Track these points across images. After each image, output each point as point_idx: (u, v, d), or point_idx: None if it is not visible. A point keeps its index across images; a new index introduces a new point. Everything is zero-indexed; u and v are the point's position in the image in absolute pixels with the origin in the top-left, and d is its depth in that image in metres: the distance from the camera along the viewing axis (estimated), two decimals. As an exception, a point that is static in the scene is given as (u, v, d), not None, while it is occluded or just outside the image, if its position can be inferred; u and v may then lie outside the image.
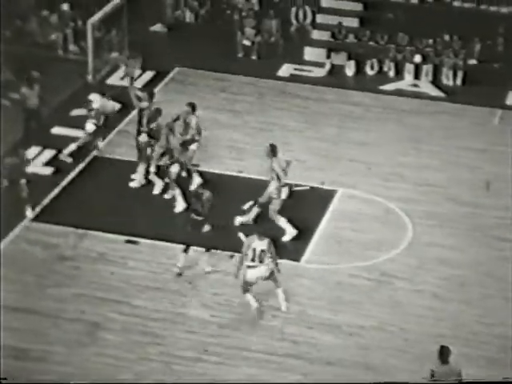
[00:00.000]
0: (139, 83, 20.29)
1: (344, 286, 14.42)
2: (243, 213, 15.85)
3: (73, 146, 17.50)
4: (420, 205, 16.50)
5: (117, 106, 18.48)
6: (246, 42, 21.62)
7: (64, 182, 16.80)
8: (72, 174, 17.03)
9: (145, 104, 16.57)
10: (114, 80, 20.47)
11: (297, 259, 14.99)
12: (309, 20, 22.36)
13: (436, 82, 20.78)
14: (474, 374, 12.35)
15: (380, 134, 18.84)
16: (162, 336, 13.28)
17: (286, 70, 20.96)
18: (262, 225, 15.28)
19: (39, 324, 13.33)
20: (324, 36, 22.00)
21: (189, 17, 23.13)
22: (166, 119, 17.08)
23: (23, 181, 15.53)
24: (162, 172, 16.24)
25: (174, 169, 15.81)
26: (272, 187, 15.20)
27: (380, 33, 21.62)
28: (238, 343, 13.20)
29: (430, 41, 21.37)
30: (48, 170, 17.16)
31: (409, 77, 20.89)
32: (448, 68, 20.80)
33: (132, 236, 15.30)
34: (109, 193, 16.45)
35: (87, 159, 17.54)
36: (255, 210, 15.47)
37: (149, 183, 16.37)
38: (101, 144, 17.54)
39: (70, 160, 17.28)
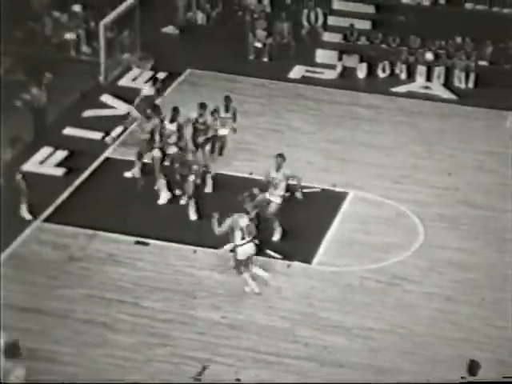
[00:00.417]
0: (151, 84, 20.21)
1: (355, 289, 14.27)
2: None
3: (119, 130, 17.32)
4: (431, 207, 16.32)
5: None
6: (258, 44, 21.50)
7: (75, 183, 16.71)
8: (83, 175, 16.94)
9: (156, 121, 16.36)
10: (125, 81, 20.40)
11: (308, 261, 14.85)
12: (320, 22, 22.23)
13: (448, 84, 20.61)
14: (486, 377, 12.17)
15: (391, 137, 18.67)
16: (172, 337, 13.15)
17: (297, 71, 20.82)
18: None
19: (49, 324, 13.22)
20: (336, 38, 21.87)
21: (200, 18, 23.04)
22: (180, 120, 16.99)
23: (19, 176, 15.32)
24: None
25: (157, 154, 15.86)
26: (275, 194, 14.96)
27: (392, 35, 21.47)
28: (248, 345, 13.06)
29: (442, 43, 21.22)
30: (60, 171, 17.08)
31: (420, 79, 20.73)
32: (460, 70, 20.62)
33: (142, 237, 15.18)
34: (119, 194, 16.34)
35: (98, 160, 17.46)
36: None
37: (174, 197, 16.11)
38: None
39: (111, 141, 17.16)
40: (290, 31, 21.84)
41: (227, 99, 16.97)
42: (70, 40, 21.40)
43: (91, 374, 12.35)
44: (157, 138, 16.25)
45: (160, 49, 21.36)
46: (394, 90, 20.40)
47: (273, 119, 18.96)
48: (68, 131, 18.38)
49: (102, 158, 17.51)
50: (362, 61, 21.04)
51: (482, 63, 20.84)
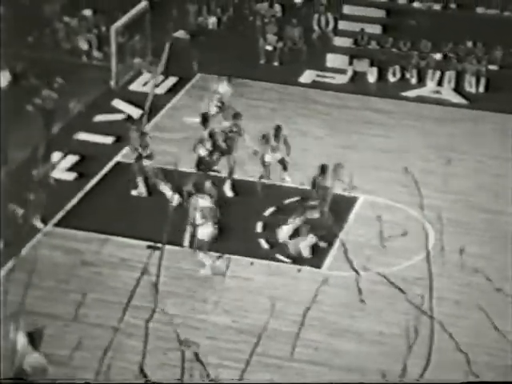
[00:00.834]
0: (162, 89, 20.35)
1: (365, 293, 14.29)
2: (264, 219, 15.82)
3: (197, 120, 17.28)
4: (442, 212, 16.36)
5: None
6: (268, 47, 21.59)
7: (86, 188, 16.83)
8: (94, 180, 17.07)
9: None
10: (136, 86, 20.52)
11: (318, 266, 14.92)
12: (331, 27, 22.31)
13: (458, 88, 20.66)
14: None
15: (402, 141, 18.74)
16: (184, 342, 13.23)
17: (308, 76, 20.91)
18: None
19: (60, 329, 13.33)
20: (346, 43, 21.94)
21: (211, 23, 23.16)
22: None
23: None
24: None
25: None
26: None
27: (402, 39, 21.53)
28: (259, 349, 13.12)
29: (453, 47, 21.27)
30: (71, 176, 17.21)
31: (431, 83, 20.78)
32: (471, 74, 20.67)
33: (154, 242, 15.29)
34: (131, 198, 16.46)
35: (109, 164, 17.59)
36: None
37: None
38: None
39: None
40: (300, 36, 21.93)
41: (278, 129, 16.55)
42: (82, 45, 21.55)
43: (104, 379, 12.44)
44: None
45: (171, 53, 21.47)
46: (404, 94, 20.47)
47: (283, 124, 19.04)
48: (79, 136, 18.53)
49: (112, 163, 17.64)
50: (372, 65, 21.12)
51: (493, 67, 20.89)
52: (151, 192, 16.24)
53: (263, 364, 12.86)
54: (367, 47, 21.67)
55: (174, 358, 12.90)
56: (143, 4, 20.91)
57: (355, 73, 21.10)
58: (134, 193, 16.52)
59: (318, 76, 21.04)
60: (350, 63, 21.30)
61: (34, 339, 11.88)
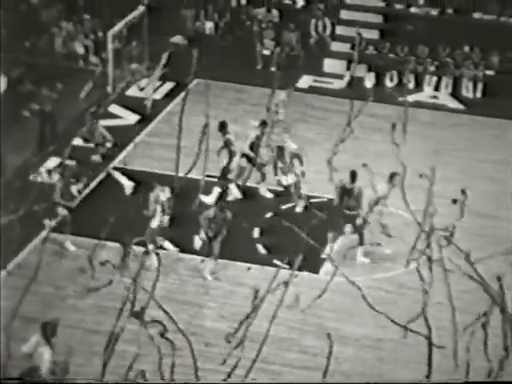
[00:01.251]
0: (159, 94, 20.33)
1: (362, 298, 14.29)
2: (261, 224, 15.80)
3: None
4: (439, 216, 16.34)
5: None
6: (266, 52, 21.60)
7: (84, 193, 16.80)
8: (92, 185, 17.04)
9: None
10: (133, 91, 20.51)
11: (315, 271, 14.89)
12: (328, 32, 22.32)
13: (456, 93, 20.68)
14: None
15: (400, 146, 18.70)
16: (180, 347, 13.20)
17: (305, 81, 20.91)
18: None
19: (58, 334, 13.28)
20: (344, 48, 21.96)
21: (209, 28, 23.16)
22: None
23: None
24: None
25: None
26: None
27: (400, 44, 21.56)
28: (255, 355, 13.10)
29: (450, 52, 21.30)
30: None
31: (428, 89, 20.80)
32: (468, 80, 20.69)
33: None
34: (127, 203, 16.43)
35: (107, 169, 17.57)
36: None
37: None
38: None
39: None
40: (298, 41, 21.93)
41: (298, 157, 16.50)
42: (78, 50, 21.55)
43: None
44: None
45: (168, 59, 21.43)
46: (401, 99, 20.46)
47: (280, 129, 19.03)
48: (76, 141, 18.50)
49: (110, 168, 17.62)
50: (370, 70, 21.13)
51: (490, 73, 20.91)
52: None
53: (261, 370, 12.82)
54: (365, 52, 21.68)
55: (170, 364, 12.89)
56: (141, 9, 20.92)
57: (352, 78, 21.11)
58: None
59: (316, 81, 21.04)
60: (348, 68, 21.30)
61: (47, 332, 11.87)
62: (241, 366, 12.91)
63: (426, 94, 20.73)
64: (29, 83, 19.70)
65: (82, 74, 20.69)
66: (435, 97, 20.65)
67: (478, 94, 20.66)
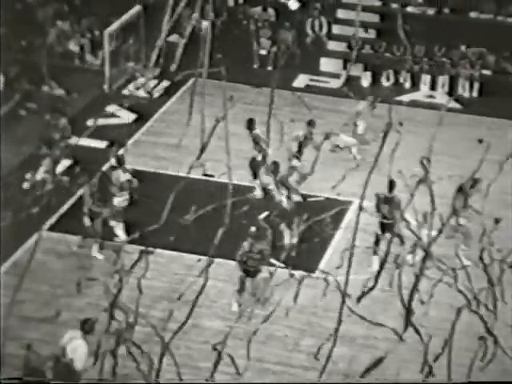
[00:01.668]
0: (155, 93, 20.31)
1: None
2: (258, 223, 15.81)
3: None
4: (436, 218, 16.33)
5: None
6: (262, 51, 21.59)
7: (80, 192, 16.76)
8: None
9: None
10: (130, 90, 20.47)
11: (312, 270, 14.88)
12: (325, 31, 22.31)
13: (452, 93, 20.68)
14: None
15: (396, 146, 18.70)
16: (176, 346, 13.19)
17: (301, 80, 20.88)
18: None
19: (54, 334, 13.27)
20: (340, 47, 21.95)
21: (205, 28, 23.12)
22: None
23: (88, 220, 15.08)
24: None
25: None
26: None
27: (396, 44, 21.56)
28: (252, 354, 13.08)
29: (446, 51, 21.31)
30: (64, 180, 17.16)
31: (425, 88, 20.80)
32: (464, 79, 20.69)
33: (147, 246, 15.22)
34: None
35: (103, 169, 17.54)
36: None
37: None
38: None
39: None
40: (294, 40, 21.91)
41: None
42: (74, 49, 21.51)
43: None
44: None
45: (165, 58, 21.43)
46: (398, 98, 20.47)
47: (276, 128, 19.00)
48: (73, 141, 18.48)
49: (106, 167, 17.59)
50: (366, 69, 21.12)
51: (486, 72, 20.91)
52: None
53: (257, 369, 12.80)
54: (361, 51, 21.68)
55: (166, 363, 12.87)
56: (137, 8, 20.89)
57: (349, 77, 21.10)
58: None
59: (312, 80, 21.02)
60: (344, 67, 21.29)
61: (86, 328, 11.91)
62: (237, 364, 12.93)
63: (423, 93, 20.71)
64: (25, 82, 19.67)
65: (78, 73, 20.64)
66: (431, 96, 20.64)
67: (475, 94, 20.66)
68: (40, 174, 16.97)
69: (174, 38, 22.82)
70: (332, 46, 22.01)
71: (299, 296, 14.15)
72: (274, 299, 13.94)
